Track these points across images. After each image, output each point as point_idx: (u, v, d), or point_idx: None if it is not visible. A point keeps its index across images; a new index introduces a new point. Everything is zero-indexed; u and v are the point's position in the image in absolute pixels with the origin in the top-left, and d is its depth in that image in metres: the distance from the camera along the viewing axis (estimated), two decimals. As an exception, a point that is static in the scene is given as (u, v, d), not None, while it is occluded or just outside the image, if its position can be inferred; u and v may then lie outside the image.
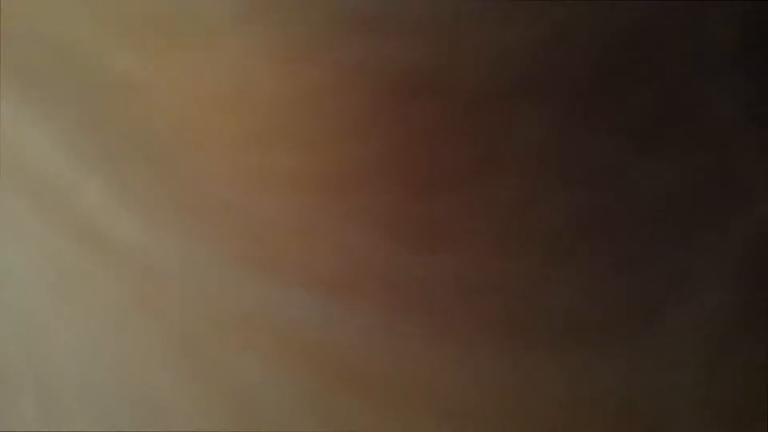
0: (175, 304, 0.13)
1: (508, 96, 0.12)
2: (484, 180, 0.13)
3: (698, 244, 0.13)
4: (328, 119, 0.13)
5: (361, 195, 0.13)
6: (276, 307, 0.13)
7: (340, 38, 0.12)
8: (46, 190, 0.13)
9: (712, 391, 0.13)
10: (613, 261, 0.13)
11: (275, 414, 0.13)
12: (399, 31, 0.12)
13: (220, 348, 0.13)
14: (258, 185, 0.13)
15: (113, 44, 0.12)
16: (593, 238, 0.13)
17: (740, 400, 0.13)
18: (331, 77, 0.12)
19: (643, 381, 0.13)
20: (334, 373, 0.13)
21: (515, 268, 0.13)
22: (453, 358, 0.13)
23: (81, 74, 0.13)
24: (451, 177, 0.13)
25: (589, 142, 0.13)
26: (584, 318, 0.13)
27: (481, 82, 0.12)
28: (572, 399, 0.13)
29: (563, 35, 0.12)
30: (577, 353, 0.13)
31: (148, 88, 0.13)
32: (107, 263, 0.13)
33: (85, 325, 0.13)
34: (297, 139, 0.13)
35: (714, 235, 0.13)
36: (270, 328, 0.13)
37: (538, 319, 0.13)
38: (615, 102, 0.12)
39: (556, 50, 0.12)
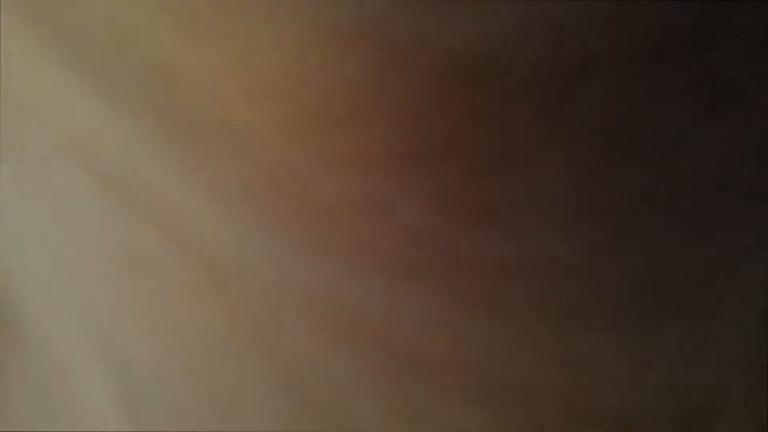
0: (241, 287, 0.13)
1: (567, 74, 0.13)
2: (543, 159, 0.13)
3: (758, 222, 0.13)
4: (385, 101, 0.13)
5: (421, 176, 0.13)
6: (337, 289, 0.13)
7: (393, 20, 0.12)
8: (113, 175, 0.13)
9: (766, 370, 0.13)
10: (673, 237, 0.13)
11: (338, 393, 0.13)
12: (454, 11, 0.12)
13: (284, 330, 0.13)
14: (317, 168, 0.13)
15: (170, 32, 0.13)
16: (651, 215, 0.13)
17: None
18: (385, 59, 0.13)
19: (698, 360, 0.13)
20: (394, 353, 0.13)
21: (573, 248, 0.13)
22: (511, 338, 0.13)
23: (141, 59, 0.13)
24: (510, 157, 0.13)
25: (649, 117, 0.13)
26: (641, 298, 0.13)
27: (540, 61, 0.12)
28: (629, 378, 0.13)
29: (620, 10, 0.12)
30: (634, 332, 0.13)
31: (207, 72, 0.13)
32: (175, 248, 0.13)
33: (155, 309, 0.13)
34: (354, 122, 0.13)
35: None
36: (332, 309, 0.13)
37: (595, 299, 0.13)
38: (675, 75, 0.13)
39: (614, 25, 0.12)
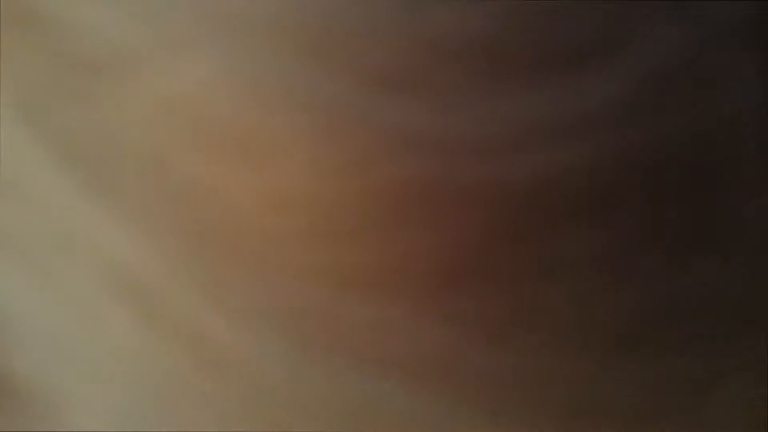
0: (264, 399, 0.14)
1: (570, 207, 0.13)
2: (542, 281, 0.14)
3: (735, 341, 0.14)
4: (396, 223, 0.14)
5: (435, 294, 0.14)
6: (353, 393, 0.14)
7: (391, 153, 0.13)
8: (144, 298, 0.14)
9: None
10: (662, 348, 0.14)
11: None
12: (469, 147, 0.13)
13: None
14: (331, 281, 0.14)
15: (190, 152, 0.14)
16: (642, 332, 0.14)
17: None
18: (388, 184, 0.13)
19: None
20: None
21: (573, 361, 0.14)
22: None
23: (159, 179, 0.14)
24: (517, 278, 0.14)
25: (636, 251, 0.14)
26: (636, 404, 0.14)
27: (547, 192, 0.13)
28: None
29: (611, 159, 0.13)
30: None
31: (224, 195, 0.14)
32: (196, 363, 0.14)
33: (185, 423, 0.14)
34: (370, 241, 0.14)
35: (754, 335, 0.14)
36: (348, 412, 0.14)
37: (596, 407, 0.14)
38: (660, 214, 0.14)
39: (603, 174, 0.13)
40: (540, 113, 0.13)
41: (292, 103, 0.13)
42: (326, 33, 0.13)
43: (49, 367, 0.14)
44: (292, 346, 0.14)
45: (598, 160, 0.13)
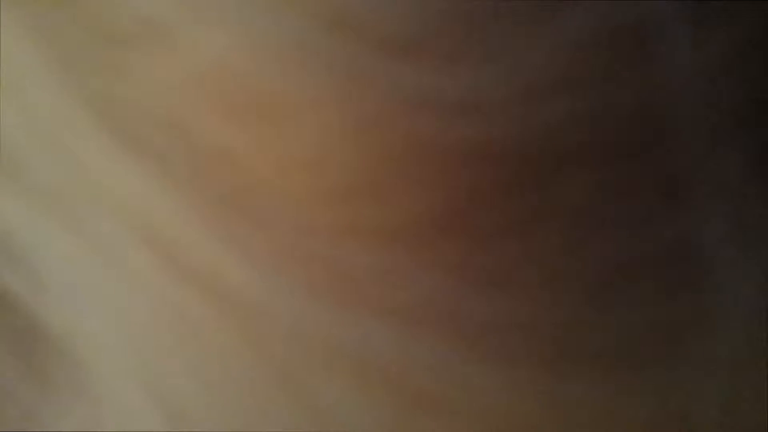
0: (272, 339, 0.15)
1: (553, 163, 0.15)
2: (533, 231, 0.15)
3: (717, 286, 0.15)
4: (398, 179, 0.15)
5: (432, 244, 0.15)
6: (358, 340, 0.15)
7: (400, 115, 0.15)
8: (164, 245, 0.15)
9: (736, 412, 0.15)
10: (641, 296, 0.15)
11: None
12: (464, 108, 0.15)
13: (311, 377, 0.15)
14: (343, 237, 0.15)
15: (215, 120, 0.15)
16: (624, 279, 0.15)
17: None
18: (402, 144, 0.15)
19: (672, 403, 0.15)
20: (409, 397, 0.15)
21: (560, 308, 0.15)
22: (512, 384, 0.15)
23: (184, 141, 0.15)
24: (506, 229, 0.15)
25: (621, 200, 0.15)
26: (619, 347, 0.15)
27: (532, 150, 0.15)
28: (611, 422, 0.15)
29: (607, 109, 0.15)
30: (615, 380, 0.15)
31: (243, 156, 0.15)
32: (215, 306, 0.15)
33: (196, 362, 0.15)
34: (375, 197, 0.15)
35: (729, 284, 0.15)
36: (352, 358, 0.15)
37: (581, 351, 0.15)
38: (644, 165, 0.15)
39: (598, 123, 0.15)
40: (529, 74, 0.14)
41: (309, 69, 0.14)
42: (342, 3, 0.14)
43: (76, 309, 0.15)
44: (298, 291, 0.15)
45: (580, 116, 0.15)
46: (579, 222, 0.15)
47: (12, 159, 0.15)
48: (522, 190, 0.15)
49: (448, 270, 0.15)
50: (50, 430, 0.15)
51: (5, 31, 0.15)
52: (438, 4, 0.14)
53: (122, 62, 0.15)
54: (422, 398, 0.15)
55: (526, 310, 0.15)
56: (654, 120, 0.15)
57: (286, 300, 0.15)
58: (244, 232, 0.15)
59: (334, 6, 0.14)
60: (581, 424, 0.15)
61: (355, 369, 0.15)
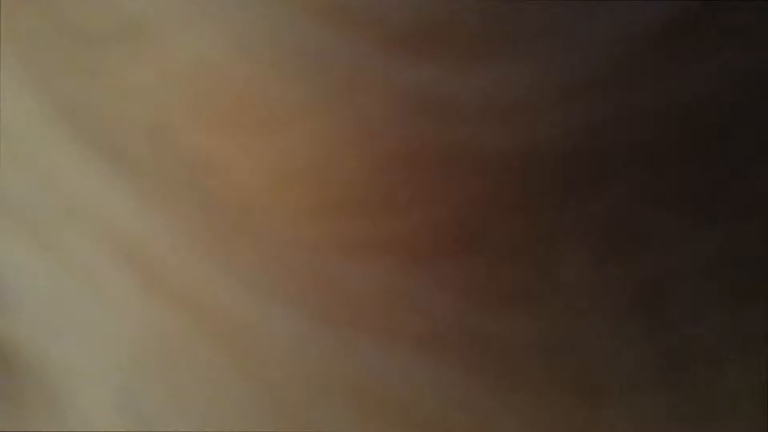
0: (267, 366, 0.14)
1: (580, 172, 0.13)
2: (551, 247, 0.14)
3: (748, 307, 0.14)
4: (405, 191, 0.14)
5: (440, 262, 0.14)
6: (360, 364, 0.14)
7: (407, 120, 0.13)
8: (147, 265, 0.14)
9: None
10: (670, 319, 0.14)
11: None
12: (481, 112, 0.13)
13: (309, 406, 0.14)
14: (342, 254, 0.14)
15: (200, 128, 0.14)
16: (652, 299, 0.14)
17: None
18: (401, 153, 0.13)
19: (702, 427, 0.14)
20: (415, 427, 0.14)
21: (581, 327, 0.14)
22: (525, 411, 0.14)
23: (166, 150, 0.14)
24: (530, 246, 0.14)
25: (647, 216, 0.14)
26: (646, 372, 0.14)
27: (557, 158, 0.13)
28: None
29: (642, 114, 0.13)
30: (643, 406, 0.14)
31: (232, 167, 0.14)
32: (200, 330, 0.14)
33: (181, 388, 0.14)
34: (378, 210, 0.14)
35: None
36: (355, 384, 0.14)
37: (603, 375, 0.14)
38: (672, 178, 0.13)
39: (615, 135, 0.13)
40: (547, 78, 0.13)
41: (302, 69, 0.13)
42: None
43: (50, 333, 0.14)
44: (294, 313, 0.14)
45: (612, 122, 0.13)
46: (606, 236, 0.13)
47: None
48: (543, 202, 0.13)
49: (457, 289, 0.14)
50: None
51: None
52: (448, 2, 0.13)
53: (98, 63, 0.13)
54: (429, 428, 0.14)
55: (546, 333, 0.14)
56: (691, 123, 0.13)
57: (281, 322, 0.14)
58: (233, 250, 0.14)
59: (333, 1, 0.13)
60: None
61: (356, 397, 0.14)
